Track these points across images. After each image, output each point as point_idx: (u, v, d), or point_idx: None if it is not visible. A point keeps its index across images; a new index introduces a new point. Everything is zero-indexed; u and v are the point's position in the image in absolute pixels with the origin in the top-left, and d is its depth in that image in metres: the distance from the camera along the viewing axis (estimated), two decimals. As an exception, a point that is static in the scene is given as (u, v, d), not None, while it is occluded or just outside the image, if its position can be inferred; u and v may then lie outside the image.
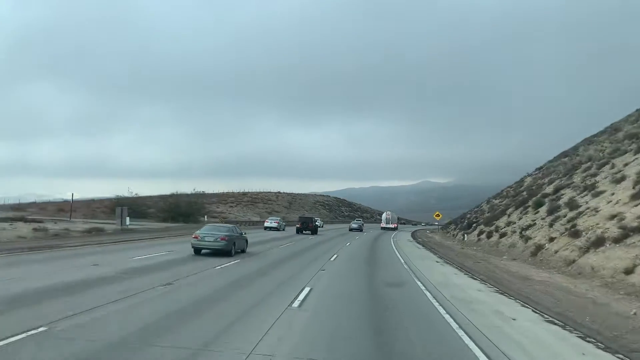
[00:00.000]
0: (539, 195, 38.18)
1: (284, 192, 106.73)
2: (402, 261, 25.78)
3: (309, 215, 66.80)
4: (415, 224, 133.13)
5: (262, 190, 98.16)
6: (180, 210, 51.54)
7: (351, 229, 64.93)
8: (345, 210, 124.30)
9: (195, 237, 21.68)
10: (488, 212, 52.70)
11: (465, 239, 43.05)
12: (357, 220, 77.71)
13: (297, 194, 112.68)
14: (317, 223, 56.34)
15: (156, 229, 39.06)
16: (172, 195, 56.14)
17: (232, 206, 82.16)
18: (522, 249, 27.43)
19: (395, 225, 78.57)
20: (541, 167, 73.55)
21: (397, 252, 32.58)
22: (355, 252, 30.44)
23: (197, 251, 21.69)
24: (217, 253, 21.23)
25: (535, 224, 30.33)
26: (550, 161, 70.35)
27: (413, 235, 66.76)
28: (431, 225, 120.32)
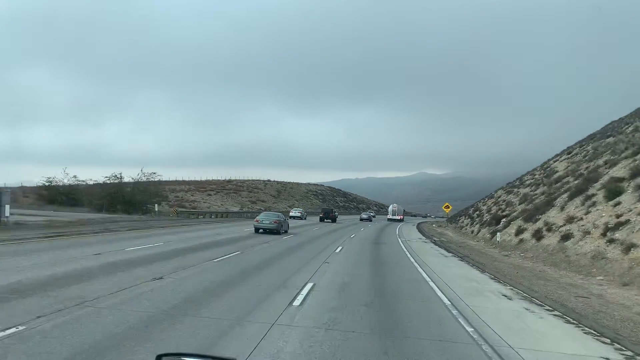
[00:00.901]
0: (606, 181, 27.61)
1: (273, 181, 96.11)
2: (429, 279, 15.02)
3: (327, 207, 74.48)
4: (425, 216, 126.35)
5: (249, 178, 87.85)
6: (122, 199, 40.75)
7: (362, 219, 69.58)
8: (340, 201, 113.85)
9: (256, 221, 31.41)
10: (522, 204, 41.98)
11: (499, 239, 32.51)
12: (368, 211, 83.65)
13: (289, 182, 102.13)
14: (335, 213, 64.43)
15: (63, 224, 27.63)
16: (116, 184, 43.17)
17: (210, 194, 71.75)
18: (627, 265, 16.82)
19: (401, 217, 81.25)
20: (570, 151, 63.61)
21: (410, 254, 22.45)
22: (368, 235, 39.01)
23: (257, 230, 30.66)
24: (270, 232, 30.26)
25: (628, 221, 19.80)
26: (580, 143, 60.69)
27: (420, 229, 56.65)
28: (435, 217, 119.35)
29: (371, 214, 77.00)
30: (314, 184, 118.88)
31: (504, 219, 39.47)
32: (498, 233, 34.35)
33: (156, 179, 44.23)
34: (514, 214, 38.98)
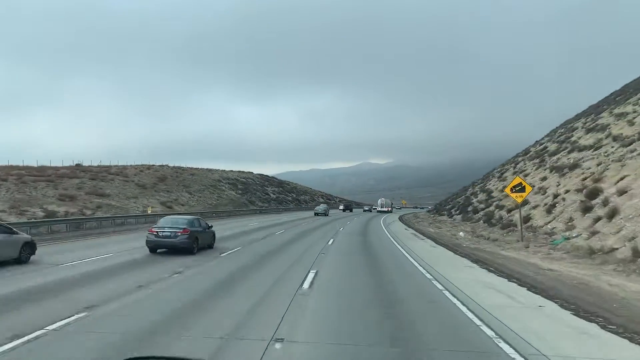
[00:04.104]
0: None
1: (169, 166, 69.97)
2: None
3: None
4: (423, 208, 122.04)
5: (121, 164, 60.48)
6: None
7: (317, 214, 61.99)
8: (272, 192, 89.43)
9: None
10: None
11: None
12: (322, 205, 75.48)
13: (196, 168, 76.30)
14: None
15: None
16: None
17: None
18: None
19: (389, 209, 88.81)
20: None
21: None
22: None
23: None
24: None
25: None
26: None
27: (407, 223, 36.41)
28: (417, 208, 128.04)
29: (325, 207, 68.01)
30: (238, 172, 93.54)
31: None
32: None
33: None
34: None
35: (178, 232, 16.84)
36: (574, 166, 30.41)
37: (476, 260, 16.21)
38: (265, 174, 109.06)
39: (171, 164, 73.90)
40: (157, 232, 16.98)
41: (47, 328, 6.89)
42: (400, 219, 58.19)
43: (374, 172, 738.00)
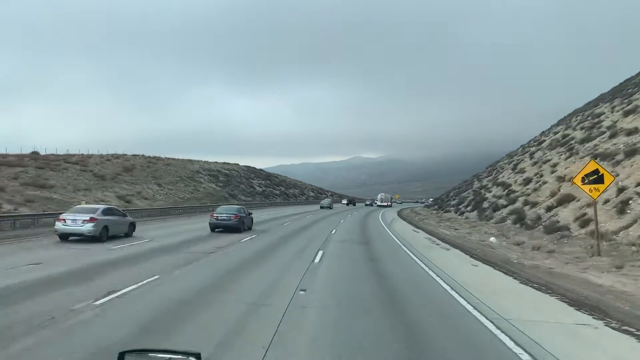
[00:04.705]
0: None
1: (143, 156, 62.34)
2: None
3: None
4: (421, 202, 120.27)
5: (91, 154, 53.18)
6: None
7: (322, 207, 67.07)
8: (259, 185, 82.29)
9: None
10: None
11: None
12: (327, 199, 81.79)
13: (174, 159, 68.78)
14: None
15: None
16: None
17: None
18: None
19: (389, 203, 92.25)
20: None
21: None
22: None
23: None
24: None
25: None
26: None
27: (412, 221, 33.14)
28: (418, 203, 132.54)
29: (330, 201, 73.54)
30: (222, 163, 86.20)
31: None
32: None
33: None
34: None
35: (231, 216, 23.19)
36: (631, 152, 23.79)
37: (578, 304, 9.20)
38: (252, 166, 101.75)
39: (151, 154, 66.40)
40: (217, 216, 23.26)
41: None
42: (401, 215, 51.57)
43: (366, 166, 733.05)
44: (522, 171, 41.12)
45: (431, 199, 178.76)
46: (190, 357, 2.09)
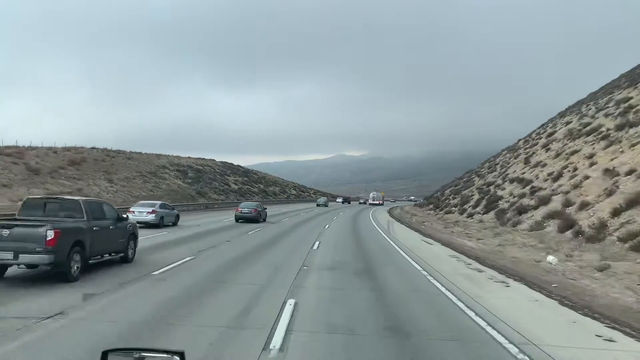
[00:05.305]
0: None
1: (98, 149, 54.13)
2: None
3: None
4: (375, 204, 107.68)
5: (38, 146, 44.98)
6: None
7: (318, 205, 72.68)
8: (235, 182, 74.76)
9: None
10: None
11: None
12: (322, 197, 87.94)
13: (139, 153, 60.75)
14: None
15: None
16: None
17: None
18: None
19: (380, 202, 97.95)
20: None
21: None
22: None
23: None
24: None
25: None
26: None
27: (413, 226, 30.02)
28: (411, 200, 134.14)
29: (325, 199, 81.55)
30: (197, 159, 78.41)
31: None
32: None
33: None
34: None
35: (252, 210, 30.03)
36: None
37: None
38: (230, 162, 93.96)
39: (114, 148, 58.16)
40: (240, 210, 30.17)
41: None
42: (395, 215, 44.94)
43: (349, 164, 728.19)
44: (541, 165, 34.73)
45: (412, 197, 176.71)
46: (174, 356, 2.04)
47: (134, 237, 12.40)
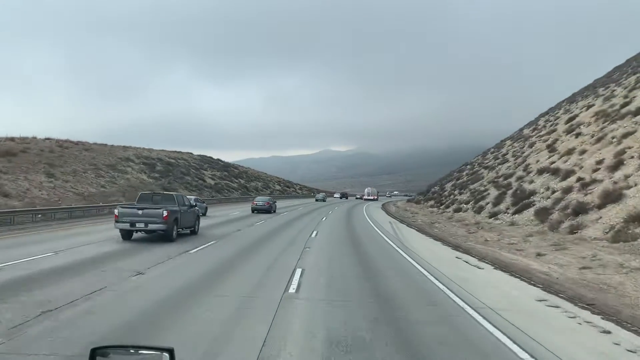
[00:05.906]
0: None
1: (50, 139, 46.53)
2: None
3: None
4: (369, 199, 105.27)
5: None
6: None
7: (317, 200, 78.04)
8: (212, 176, 67.42)
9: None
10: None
11: None
12: (321, 193, 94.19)
13: (102, 144, 53.25)
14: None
15: None
16: None
17: None
18: None
19: (375, 197, 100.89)
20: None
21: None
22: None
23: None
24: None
25: None
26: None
27: (426, 231, 24.75)
28: (407, 196, 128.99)
29: (324, 194, 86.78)
30: (171, 152, 70.91)
31: None
32: None
33: None
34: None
35: (265, 203, 36.79)
36: None
37: None
38: (212, 156, 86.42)
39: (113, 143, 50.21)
40: (256, 203, 36.89)
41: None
42: (392, 213, 38.45)
43: (336, 160, 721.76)
44: (578, 152, 28.31)
45: (396, 192, 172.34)
46: (163, 353, 2.03)
47: (198, 218, 20.19)
